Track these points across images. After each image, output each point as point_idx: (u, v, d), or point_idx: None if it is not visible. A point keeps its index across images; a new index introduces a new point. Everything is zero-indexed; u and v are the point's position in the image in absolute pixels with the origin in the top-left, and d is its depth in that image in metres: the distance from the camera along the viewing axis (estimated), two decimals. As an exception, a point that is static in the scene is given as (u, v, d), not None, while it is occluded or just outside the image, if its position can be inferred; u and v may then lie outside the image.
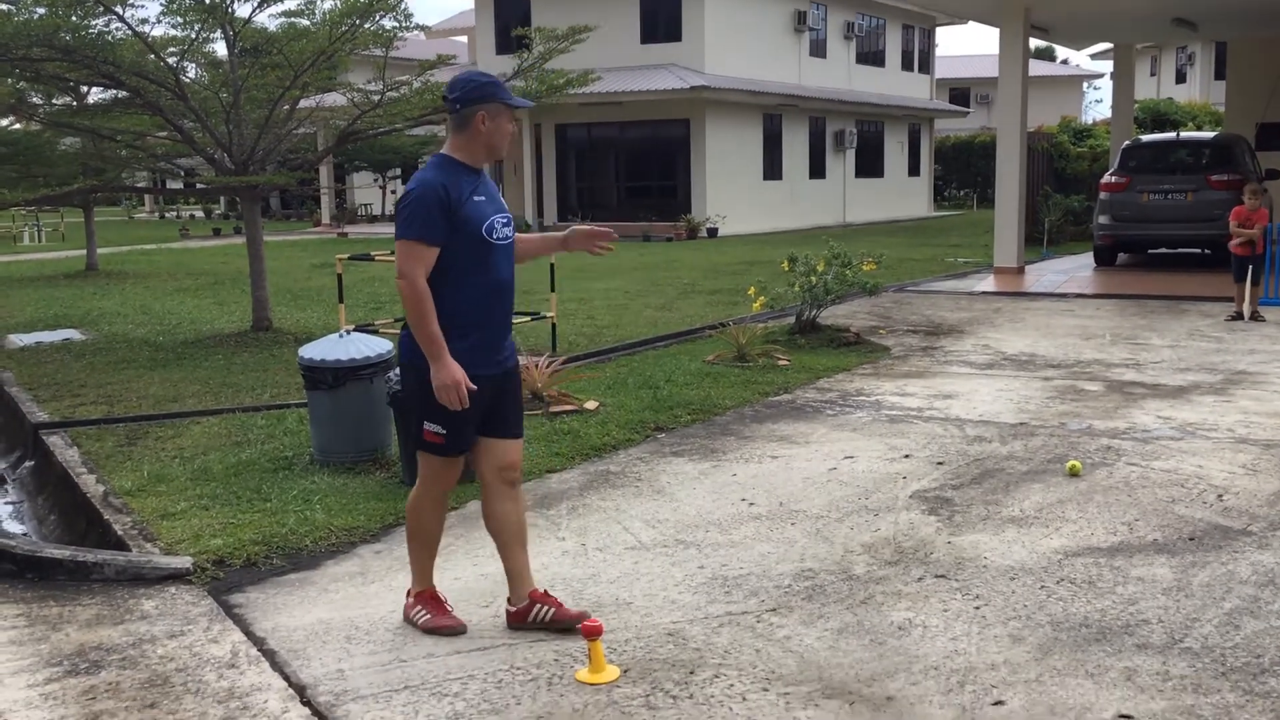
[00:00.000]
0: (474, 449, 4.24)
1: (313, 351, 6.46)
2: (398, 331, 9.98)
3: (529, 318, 10.86)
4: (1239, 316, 11.61)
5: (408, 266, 3.96)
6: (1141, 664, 3.83)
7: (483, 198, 4.11)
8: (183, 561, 4.95)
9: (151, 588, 4.80)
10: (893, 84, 36.62)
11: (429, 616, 4.24)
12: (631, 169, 29.96)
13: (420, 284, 3.95)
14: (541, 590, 4.28)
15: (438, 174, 4.03)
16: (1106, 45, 26.13)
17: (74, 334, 11.91)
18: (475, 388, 4.00)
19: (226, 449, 6.89)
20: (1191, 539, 5.06)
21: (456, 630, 4.20)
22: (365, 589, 4.69)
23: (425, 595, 4.32)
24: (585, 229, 4.52)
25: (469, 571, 4.86)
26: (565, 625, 4.16)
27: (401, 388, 4.35)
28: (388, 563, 4.98)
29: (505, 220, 4.20)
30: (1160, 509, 5.50)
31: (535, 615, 4.20)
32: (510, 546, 4.26)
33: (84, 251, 20.51)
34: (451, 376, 3.94)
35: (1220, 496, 5.68)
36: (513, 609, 4.25)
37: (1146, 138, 18.76)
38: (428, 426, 4.11)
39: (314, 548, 5.18)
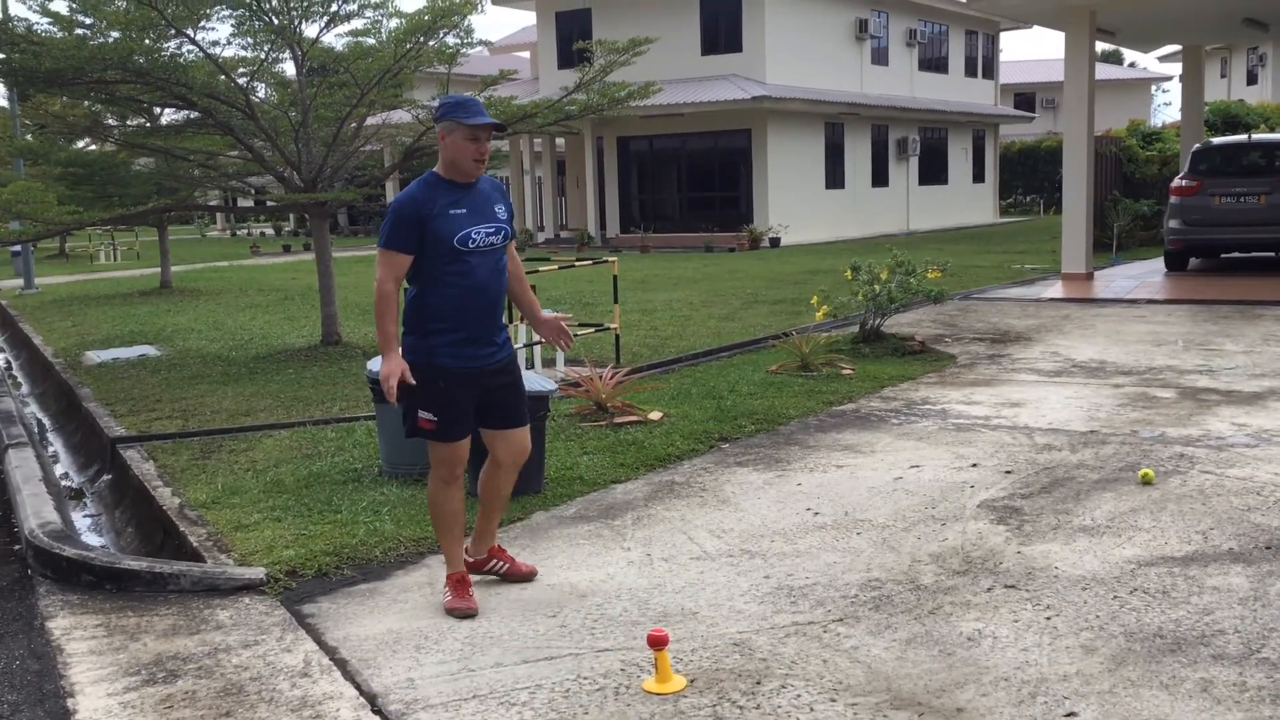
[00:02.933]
0: (490, 438, 4.72)
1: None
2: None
3: (593, 329, 10.92)
4: (1317, 321, 11.36)
5: (380, 271, 4.44)
6: (1218, 675, 3.76)
7: (462, 210, 4.49)
8: (256, 572, 5.04)
9: (226, 598, 4.89)
10: (956, 90, 36.31)
11: (451, 598, 4.61)
12: (693, 180, 30.01)
13: (385, 287, 4.44)
14: (498, 547, 4.94)
15: (415, 189, 4.50)
16: (1175, 47, 25.70)
17: (149, 350, 12.18)
18: (414, 382, 4.43)
19: (298, 461, 7.00)
20: (1268, 548, 4.95)
21: (469, 612, 4.54)
22: (434, 599, 4.75)
23: (452, 578, 4.67)
24: (555, 324, 4.95)
25: (536, 582, 4.89)
26: (518, 579, 4.87)
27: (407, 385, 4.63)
28: (455, 573, 5.02)
29: (491, 230, 4.56)
30: (1236, 517, 5.39)
31: (492, 567, 4.88)
32: (494, 511, 4.88)
33: (158, 269, 20.97)
34: (389, 370, 4.40)
35: (1299, 505, 5.55)
36: (471, 560, 4.85)
37: (1217, 140, 18.41)
38: (421, 414, 4.53)
39: (383, 558, 5.25)
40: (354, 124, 11.45)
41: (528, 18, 36.74)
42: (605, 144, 30.44)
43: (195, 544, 5.50)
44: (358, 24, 11.43)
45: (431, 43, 10.99)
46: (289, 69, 12.00)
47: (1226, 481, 6.00)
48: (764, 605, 4.53)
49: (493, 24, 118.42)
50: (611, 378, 8.20)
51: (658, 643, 3.82)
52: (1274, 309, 12.63)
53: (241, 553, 5.34)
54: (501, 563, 4.90)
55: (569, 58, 23.12)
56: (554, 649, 4.19)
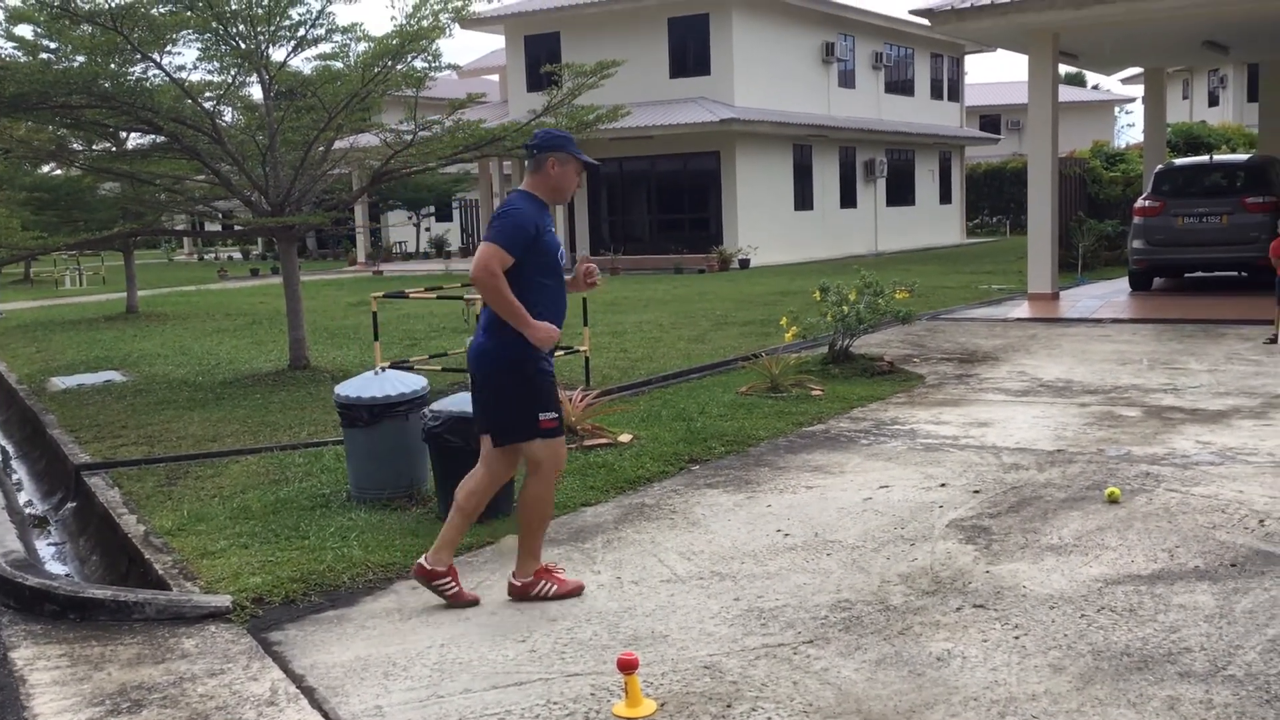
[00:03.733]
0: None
1: (348, 389, 6.53)
2: (433, 368, 10.10)
3: (563, 352, 10.91)
4: (1276, 340, 11.48)
5: (490, 263, 4.65)
6: (1184, 693, 3.78)
7: (552, 230, 4.94)
8: (222, 600, 4.99)
9: (192, 626, 4.84)
10: (922, 112, 36.65)
11: (556, 586, 4.92)
12: (663, 202, 30.10)
13: (499, 273, 4.65)
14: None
15: (530, 206, 4.83)
16: (1137, 70, 26.05)
17: (114, 376, 12.07)
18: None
19: (265, 487, 6.95)
20: (1233, 565, 5.00)
21: (580, 589, 4.95)
22: (402, 625, 4.71)
23: (544, 570, 4.95)
24: (582, 271, 5.17)
25: (505, 606, 4.87)
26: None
27: (506, 393, 4.79)
28: (424, 598, 4.99)
29: (562, 251, 5.02)
30: (1201, 535, 5.44)
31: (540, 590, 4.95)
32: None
33: (124, 294, 20.81)
34: (545, 328, 4.70)
35: (1262, 521, 5.61)
36: (517, 584, 4.94)
37: (1180, 161, 18.65)
38: (543, 416, 4.78)
39: (351, 584, 5.21)
40: (321, 147, 11.42)
41: (497, 41, 36.82)
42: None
43: (160, 572, 5.44)
44: (325, 48, 11.41)
45: (399, 67, 11.00)
46: (256, 93, 11.98)
47: (1192, 499, 6.05)
48: (734, 627, 4.53)
49: (462, 47, 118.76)
50: (581, 400, 8.19)
51: (627, 666, 3.81)
52: (1237, 328, 12.77)
53: (207, 580, 5.28)
54: (549, 583, 4.99)
55: (538, 81, 23.13)
56: (524, 674, 4.17)
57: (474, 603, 4.88)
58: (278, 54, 11.32)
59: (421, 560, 4.88)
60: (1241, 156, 20.24)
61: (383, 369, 6.79)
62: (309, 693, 4.10)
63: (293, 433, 8.62)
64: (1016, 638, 4.30)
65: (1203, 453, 7.09)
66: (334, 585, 5.19)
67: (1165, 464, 6.84)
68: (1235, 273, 16.59)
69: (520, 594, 4.90)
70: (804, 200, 30.82)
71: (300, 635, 4.67)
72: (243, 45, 10.91)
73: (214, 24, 10.57)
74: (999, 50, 22.08)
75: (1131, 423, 8.08)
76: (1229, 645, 4.14)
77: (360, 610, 4.92)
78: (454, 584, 4.88)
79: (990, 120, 50.23)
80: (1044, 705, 3.74)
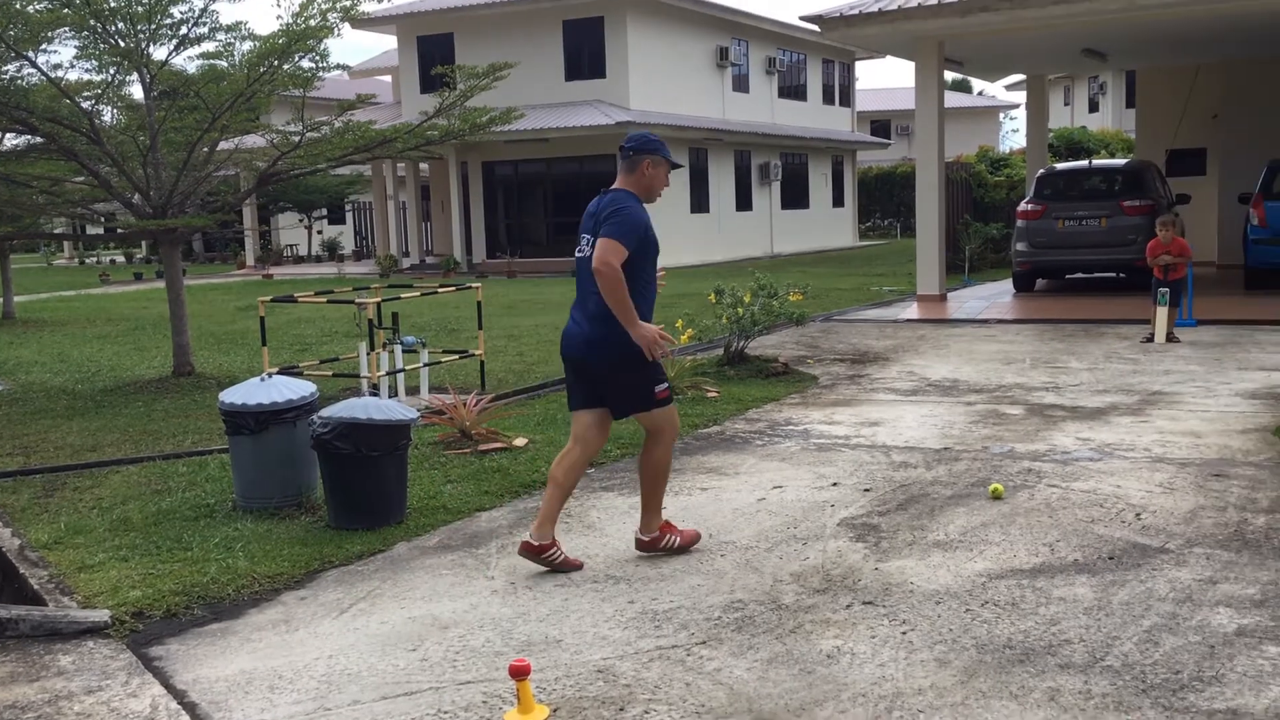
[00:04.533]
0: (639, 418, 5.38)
1: (234, 396, 6.37)
2: (324, 374, 9.92)
3: (456, 356, 10.81)
4: (1152, 339, 11.89)
5: (612, 258, 4.98)
6: (1064, 684, 3.88)
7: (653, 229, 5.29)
8: (100, 615, 4.83)
9: (69, 642, 4.67)
10: (815, 117, 37.19)
11: (680, 539, 5.41)
12: (560, 204, 30.03)
13: (619, 267, 4.97)
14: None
15: (638, 205, 5.22)
16: (1020, 76, 26.79)
17: (-12, 384, 11.61)
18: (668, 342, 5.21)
19: (146, 498, 6.75)
20: (1111, 558, 5.15)
21: (697, 537, 5.50)
22: (289, 637, 4.61)
23: (667, 525, 5.43)
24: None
25: (396, 615, 4.80)
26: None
27: (625, 375, 5.21)
28: (313, 609, 4.90)
29: None
30: (1080, 529, 5.60)
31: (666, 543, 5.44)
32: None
33: (-1, 299, 20.05)
34: (652, 331, 5.10)
35: (1138, 515, 5.79)
36: (645, 538, 5.44)
37: (1060, 166, 19.21)
38: (658, 388, 5.25)
39: (236, 596, 5.08)
40: (206, 148, 11.14)
41: (389, 41, 36.38)
42: (470, 169, 30.29)
43: (36, 587, 5.25)
44: (209, 47, 11.14)
45: (286, 66, 10.78)
46: (137, 92, 11.65)
47: (1071, 495, 6.23)
48: (628, 630, 4.52)
49: (353, 48, 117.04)
50: (476, 404, 8.12)
51: (519, 673, 3.78)
52: (1115, 327, 13.20)
53: (85, 595, 5.11)
54: (673, 535, 5.44)
55: (431, 82, 22.89)
56: (414, 683, 4.11)
57: (579, 566, 5.29)
58: (159, 52, 11.03)
59: (527, 539, 5.23)
60: (1120, 161, 20.94)
61: (270, 375, 6.64)
62: (191, 708, 3.99)
63: (176, 441, 8.39)
64: (904, 633, 4.37)
65: (1082, 449, 7.31)
66: (218, 598, 5.06)
67: (1047, 460, 7.03)
68: (1114, 274, 17.14)
69: (649, 547, 5.40)
70: (700, 203, 31.03)
71: (182, 650, 4.54)
72: (122, 43, 10.59)
73: (92, 21, 10.25)
74: (888, 57, 22.50)
75: (1015, 420, 8.29)
76: (1107, 636, 4.27)
77: (245, 623, 4.80)
78: (559, 552, 5.25)
79: (881, 125, 51.19)
80: (929, 699, 3.80)
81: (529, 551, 5.20)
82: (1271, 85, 20.13)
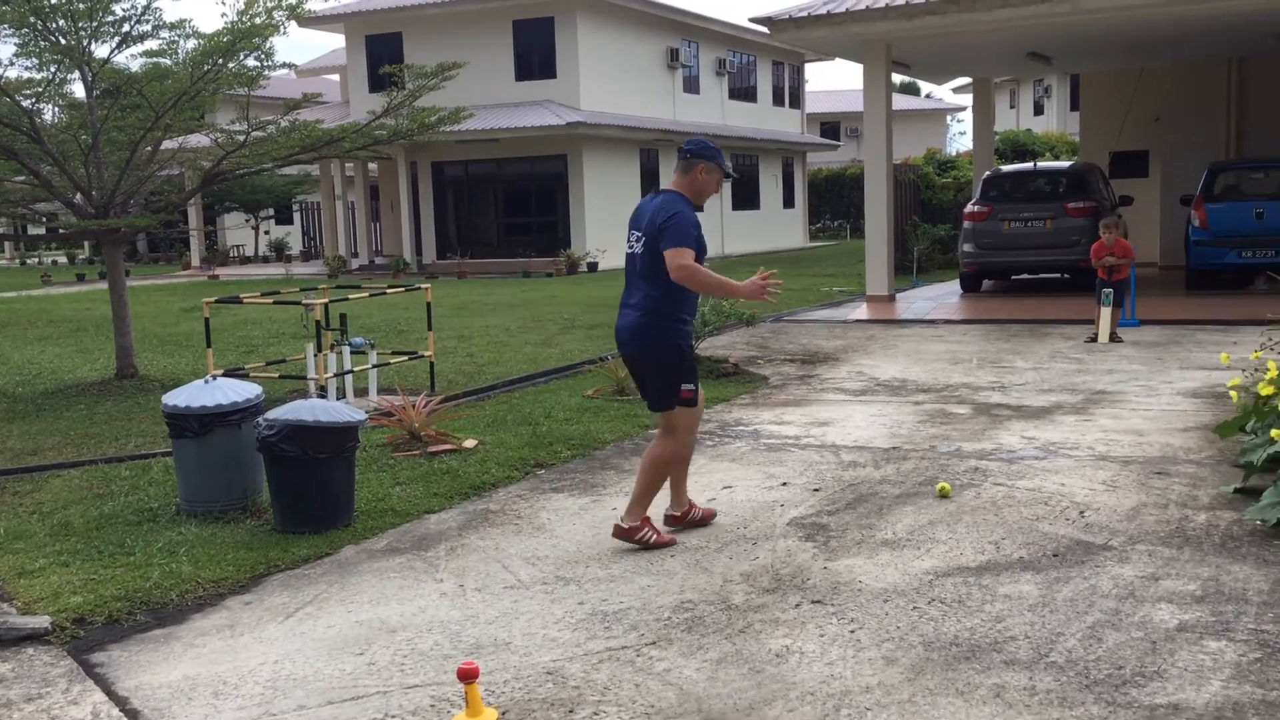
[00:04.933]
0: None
1: (177, 398, 6.28)
2: (270, 375, 9.81)
3: (406, 357, 10.74)
4: (1096, 338, 12.06)
5: (682, 260, 5.29)
6: (1009, 680, 3.92)
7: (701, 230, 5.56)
8: (40, 621, 4.74)
9: (7, 650, 4.58)
10: (765, 119, 37.35)
11: (655, 536, 5.57)
12: (510, 205, 29.93)
13: (694, 263, 5.31)
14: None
15: (688, 208, 5.46)
16: (967, 79, 27.07)
17: (-75, 387, 11.36)
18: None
19: (88, 502, 6.64)
20: (1055, 555, 5.22)
21: (673, 543, 5.61)
22: (234, 642, 4.55)
23: (646, 520, 5.58)
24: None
25: (343, 619, 4.75)
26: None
27: (658, 366, 5.52)
28: (258, 614, 4.84)
29: None
30: (1025, 527, 5.66)
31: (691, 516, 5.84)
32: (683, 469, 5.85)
33: (-64, 301, 19.63)
34: (751, 283, 5.42)
35: (1082, 513, 5.87)
36: (676, 513, 5.82)
37: (1006, 168, 19.43)
38: (684, 387, 5.49)
39: (180, 601, 5.01)
40: (149, 147, 10.98)
41: (337, 40, 36.04)
42: (420, 169, 30.10)
43: (-28, 594, 5.14)
44: (152, 44, 10.97)
45: (231, 65, 10.65)
46: (79, 90, 11.45)
47: (1017, 493, 6.30)
48: (578, 632, 4.51)
49: (301, 46, 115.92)
50: (425, 406, 8.07)
51: (467, 676, 3.75)
52: (1060, 327, 13.38)
53: (25, 601, 5.02)
54: (649, 531, 5.62)
55: (380, 81, 22.74)
56: (361, 688, 4.07)
57: (672, 543, 5.58)
58: (101, 50, 10.86)
59: (618, 522, 5.57)
60: (1064, 164, 21.23)
61: (214, 377, 6.55)
62: (133, 715, 3.93)
63: (119, 444, 8.26)
64: (852, 632, 4.40)
65: (1028, 448, 7.39)
66: (161, 603, 4.98)
67: (993, 459, 7.11)
68: (1059, 275, 17.36)
69: (625, 535, 5.55)
70: (651, 204, 31.03)
71: (125, 656, 4.47)
72: (63, 41, 10.41)
73: (32, 19, 10.07)
74: (837, 59, 22.65)
75: (962, 420, 8.37)
76: (1051, 633, 4.32)
77: (189, 628, 4.73)
78: (651, 532, 5.56)
79: (830, 127, 51.52)
80: (877, 697, 3.83)
81: (621, 534, 5.53)
82: (1213, 88, 20.51)
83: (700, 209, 5.56)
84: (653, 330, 5.46)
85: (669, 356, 5.49)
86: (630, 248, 5.56)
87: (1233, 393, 6.92)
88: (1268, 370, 5.90)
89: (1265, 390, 5.88)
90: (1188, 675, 3.90)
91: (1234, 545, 5.26)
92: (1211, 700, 3.71)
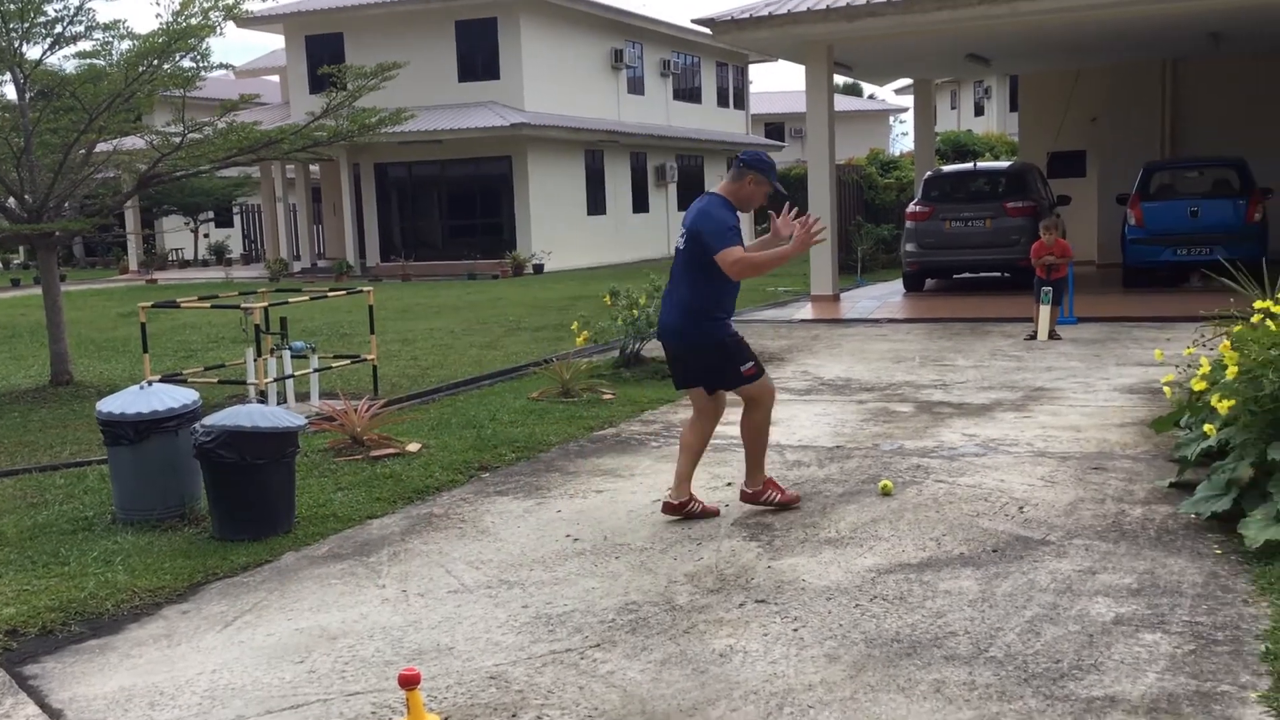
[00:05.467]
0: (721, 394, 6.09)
1: (112, 405, 6.17)
2: (209, 380, 9.67)
3: (348, 361, 10.64)
4: (1035, 336, 12.22)
5: (734, 257, 5.61)
6: (950, 675, 3.96)
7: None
8: (-30, 635, 4.63)
9: (-65, 665, 4.47)
10: (710, 119, 37.46)
11: (780, 495, 6.03)
12: (455, 207, 29.77)
13: (742, 256, 5.62)
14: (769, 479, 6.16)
15: (728, 212, 5.77)
16: (908, 81, 27.35)
17: None
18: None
19: (21, 511, 6.50)
20: (995, 551, 5.27)
21: (798, 500, 6.13)
22: (171, 652, 4.48)
23: (770, 482, 6.07)
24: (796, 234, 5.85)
25: (283, 627, 4.69)
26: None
27: (708, 359, 5.90)
28: (195, 623, 4.77)
29: None
30: (966, 523, 5.72)
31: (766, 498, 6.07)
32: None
33: None
34: (798, 238, 5.71)
35: (1021, 509, 5.94)
36: (749, 491, 6.08)
37: (947, 168, 19.64)
38: (744, 367, 5.86)
39: (116, 611, 4.92)
40: (83, 150, 10.79)
41: (277, 41, 35.68)
42: (362, 170, 29.85)
43: (-101, 608, 5.01)
44: (86, 45, 10.78)
45: (167, 66, 10.49)
46: (10, 92, 11.23)
47: (958, 489, 6.36)
48: (522, 635, 4.49)
49: (240, 47, 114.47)
50: (367, 410, 7.99)
51: (409, 682, 3.71)
52: (1001, 325, 13.53)
53: (-46, 615, 4.90)
54: (774, 492, 6.06)
55: (320, 82, 22.50)
56: (301, 696, 4.02)
57: (717, 513, 6.01)
58: (33, 52, 10.65)
59: (666, 499, 5.98)
60: (1004, 164, 21.49)
61: (150, 382, 6.45)
62: (66, 730, 3.85)
63: (53, 452, 8.11)
64: (795, 630, 4.42)
65: (968, 445, 7.47)
66: (97, 613, 4.89)
67: (934, 456, 7.17)
68: (999, 273, 17.57)
69: (751, 499, 6.01)
70: (597, 205, 31.04)
71: (59, 667, 4.38)
72: (-8, 42, 10.21)
73: (-41, 18, 9.86)
74: (780, 60, 22.77)
75: (904, 418, 8.44)
76: (990, 628, 4.36)
77: (125, 638, 4.65)
78: (698, 503, 5.97)
79: (775, 128, 51.78)
80: (820, 694, 3.85)
81: (670, 510, 5.93)
82: (1148, 89, 20.87)
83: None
84: (695, 331, 5.84)
85: (714, 353, 5.87)
86: (679, 243, 5.93)
87: (1167, 389, 7.05)
88: (1200, 366, 6.00)
89: (1198, 386, 5.98)
90: (1124, 668, 3.96)
91: (1169, 539, 5.35)
92: (1147, 692, 3.77)
